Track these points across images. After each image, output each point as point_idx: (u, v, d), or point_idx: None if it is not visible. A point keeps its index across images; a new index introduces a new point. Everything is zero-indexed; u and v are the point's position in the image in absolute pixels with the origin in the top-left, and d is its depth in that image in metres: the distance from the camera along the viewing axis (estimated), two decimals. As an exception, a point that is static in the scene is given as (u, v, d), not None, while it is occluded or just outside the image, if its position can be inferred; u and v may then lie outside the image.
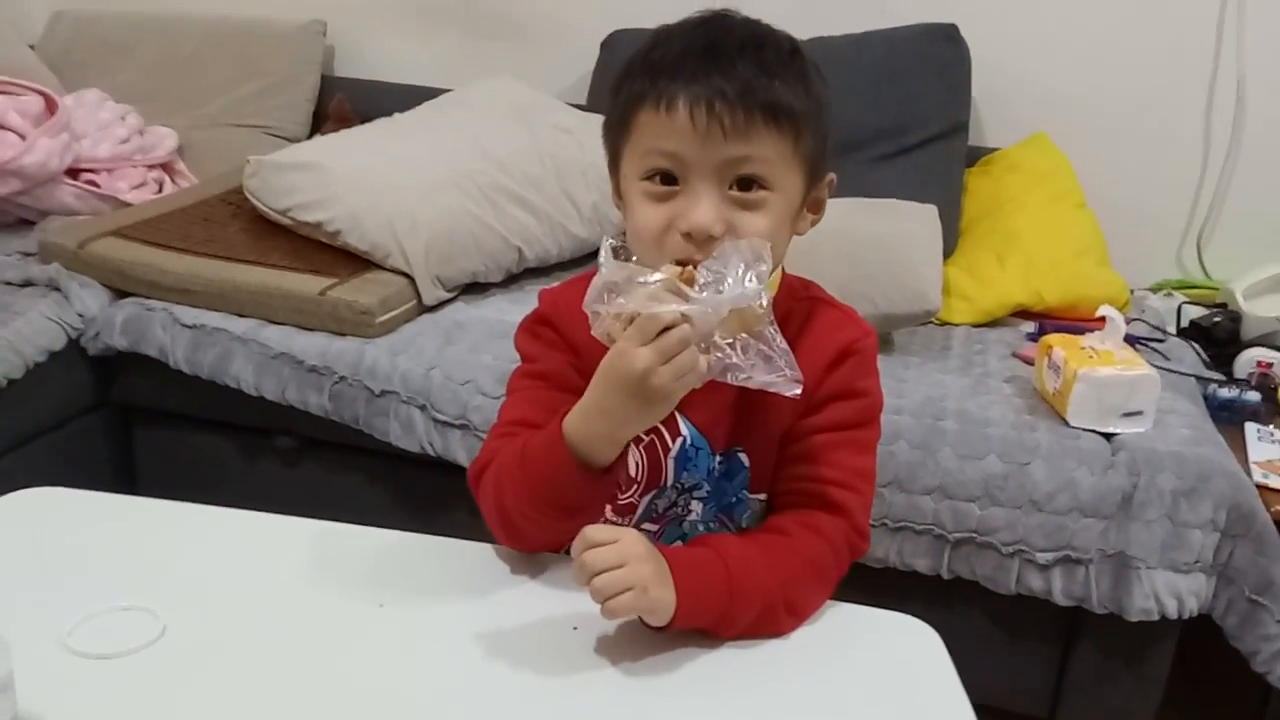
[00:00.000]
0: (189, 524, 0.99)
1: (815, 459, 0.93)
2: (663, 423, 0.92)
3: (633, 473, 0.95)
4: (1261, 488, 1.51)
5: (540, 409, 0.92)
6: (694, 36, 0.87)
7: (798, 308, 0.96)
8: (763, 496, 0.97)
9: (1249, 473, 1.54)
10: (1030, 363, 1.71)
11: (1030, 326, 1.91)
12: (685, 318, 0.78)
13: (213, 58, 2.50)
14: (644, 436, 0.94)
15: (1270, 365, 1.81)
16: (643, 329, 0.78)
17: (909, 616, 0.91)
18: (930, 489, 1.52)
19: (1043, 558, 1.50)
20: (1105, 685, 1.59)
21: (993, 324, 1.94)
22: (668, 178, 0.86)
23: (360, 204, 1.85)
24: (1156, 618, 1.47)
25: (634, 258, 0.82)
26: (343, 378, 1.70)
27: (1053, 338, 1.62)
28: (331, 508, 1.83)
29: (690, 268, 0.81)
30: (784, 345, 0.81)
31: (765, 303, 0.80)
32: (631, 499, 0.97)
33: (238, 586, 0.89)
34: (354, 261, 1.85)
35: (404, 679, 0.79)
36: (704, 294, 0.79)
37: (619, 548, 0.80)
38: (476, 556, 0.95)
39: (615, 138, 0.91)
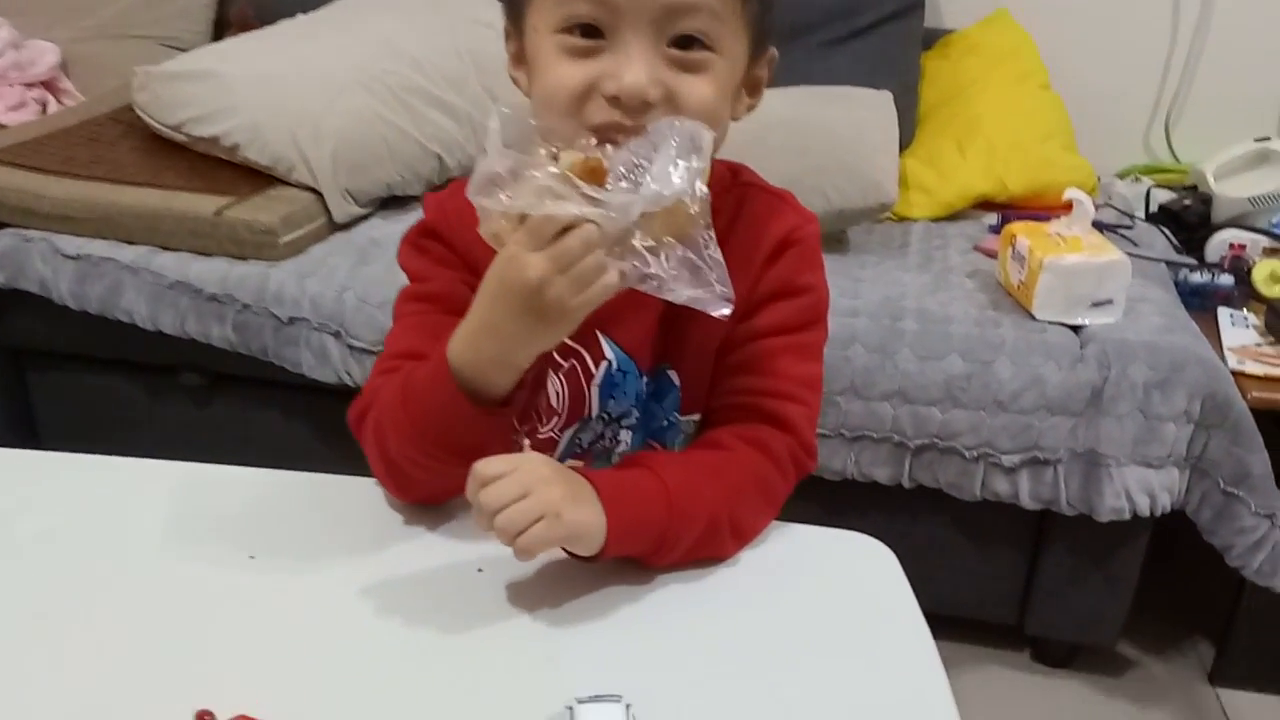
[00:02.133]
0: (35, 473, 0.86)
1: (756, 369, 0.80)
2: (584, 345, 0.81)
3: (553, 403, 0.83)
4: (1237, 374, 1.42)
5: (428, 336, 0.77)
6: None
7: (726, 197, 0.81)
8: (696, 417, 0.85)
9: (1224, 360, 1.45)
10: (993, 256, 1.60)
11: (993, 218, 1.80)
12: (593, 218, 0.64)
13: (95, -39, 2.27)
14: (563, 362, 0.82)
15: (1243, 247, 1.72)
16: (536, 231, 0.64)
17: (863, 535, 0.81)
18: (889, 394, 1.42)
19: (1009, 460, 1.41)
20: (1074, 589, 1.52)
21: (953, 217, 1.83)
22: (590, 30, 0.71)
23: (259, 114, 1.69)
24: (1128, 516, 1.40)
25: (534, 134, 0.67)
26: (246, 306, 1.56)
27: (1016, 226, 1.51)
28: (248, 446, 1.71)
29: (599, 155, 0.66)
30: (717, 256, 0.67)
31: (699, 201, 0.66)
32: (551, 433, 0.84)
33: (87, 540, 0.77)
34: (256, 178, 1.69)
35: (276, 640, 0.67)
36: (615, 188, 0.64)
37: (518, 476, 0.67)
38: (371, 495, 0.83)
39: None
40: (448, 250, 0.81)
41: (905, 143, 1.86)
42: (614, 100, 0.70)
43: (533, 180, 0.63)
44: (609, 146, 0.67)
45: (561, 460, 0.85)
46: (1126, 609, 1.53)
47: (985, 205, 1.84)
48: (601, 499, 0.70)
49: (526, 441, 0.85)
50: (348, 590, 0.71)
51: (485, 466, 0.68)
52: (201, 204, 1.62)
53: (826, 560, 0.78)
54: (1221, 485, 1.38)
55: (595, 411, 0.83)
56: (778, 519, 0.80)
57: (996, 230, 1.72)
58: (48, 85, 2.08)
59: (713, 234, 0.66)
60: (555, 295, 0.64)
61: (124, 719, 0.61)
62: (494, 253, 0.68)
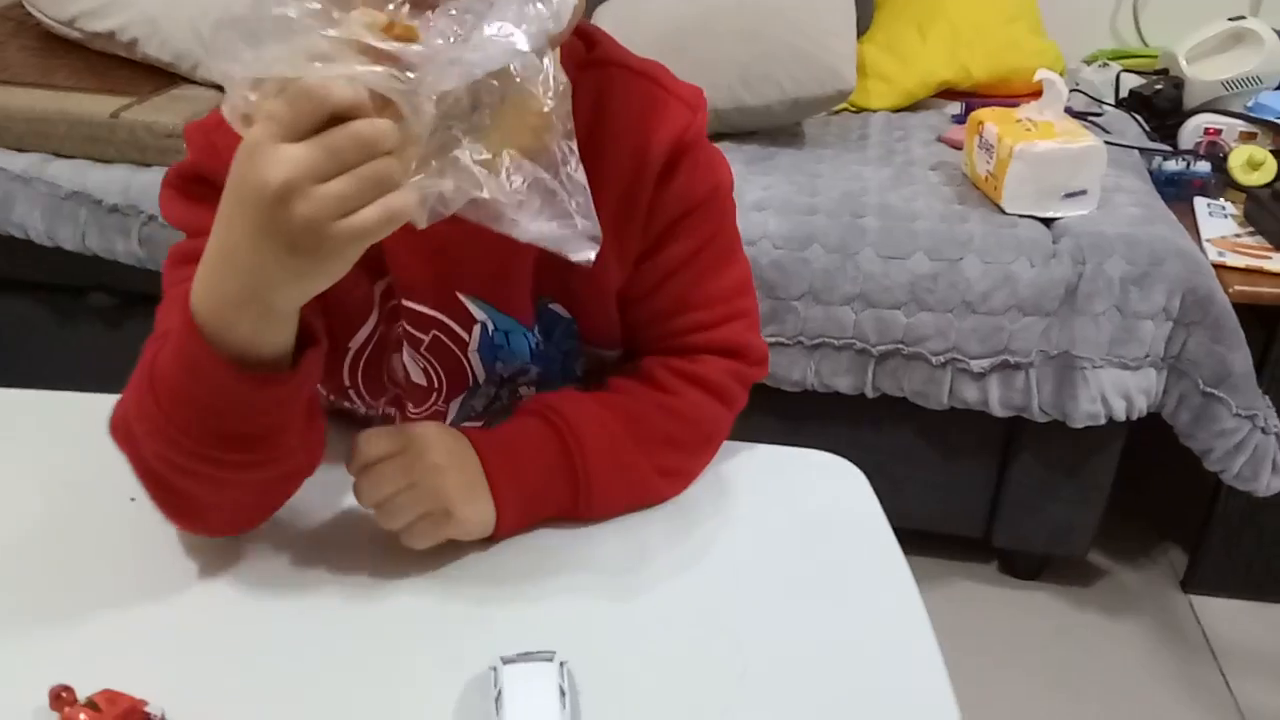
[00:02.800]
0: None
1: (681, 306, 0.67)
2: (443, 310, 0.65)
3: (421, 381, 0.68)
4: (1217, 267, 1.34)
5: None
6: None
7: (582, 80, 0.60)
8: (613, 352, 0.71)
9: (1203, 252, 1.36)
10: (958, 147, 1.50)
11: (956, 107, 1.69)
12: (385, 100, 0.45)
13: None
14: (421, 335, 0.66)
15: (1219, 132, 1.63)
16: (294, 109, 0.44)
17: (827, 454, 0.73)
18: (850, 298, 1.33)
19: (978, 365, 1.33)
20: (1045, 499, 1.46)
21: (914, 107, 1.72)
22: None
23: (157, 4, 1.54)
24: (1103, 422, 1.33)
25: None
26: (152, 217, 1.43)
27: (984, 112, 1.40)
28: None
29: (411, 22, 0.46)
30: (579, 177, 0.50)
31: (556, 95, 0.48)
32: (436, 407, 0.71)
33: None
34: (158, 76, 1.56)
35: (158, 599, 0.59)
36: (423, 50, 0.46)
37: (404, 461, 0.58)
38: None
39: None
40: (217, 190, 0.56)
41: (863, 28, 1.74)
42: None
43: (305, 36, 0.44)
44: (429, 14, 0.47)
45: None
46: (1098, 519, 1.48)
47: (948, 94, 1.74)
48: (491, 484, 0.60)
49: (392, 410, 0.71)
50: (243, 542, 0.62)
51: (369, 444, 0.58)
52: (97, 105, 1.47)
53: (792, 482, 0.70)
54: (1201, 386, 1.31)
55: (481, 378, 0.70)
56: (736, 438, 0.71)
57: (961, 120, 1.61)
58: (-74, -19, 1.89)
59: (574, 145, 0.50)
60: (306, 213, 0.45)
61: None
62: None
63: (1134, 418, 1.34)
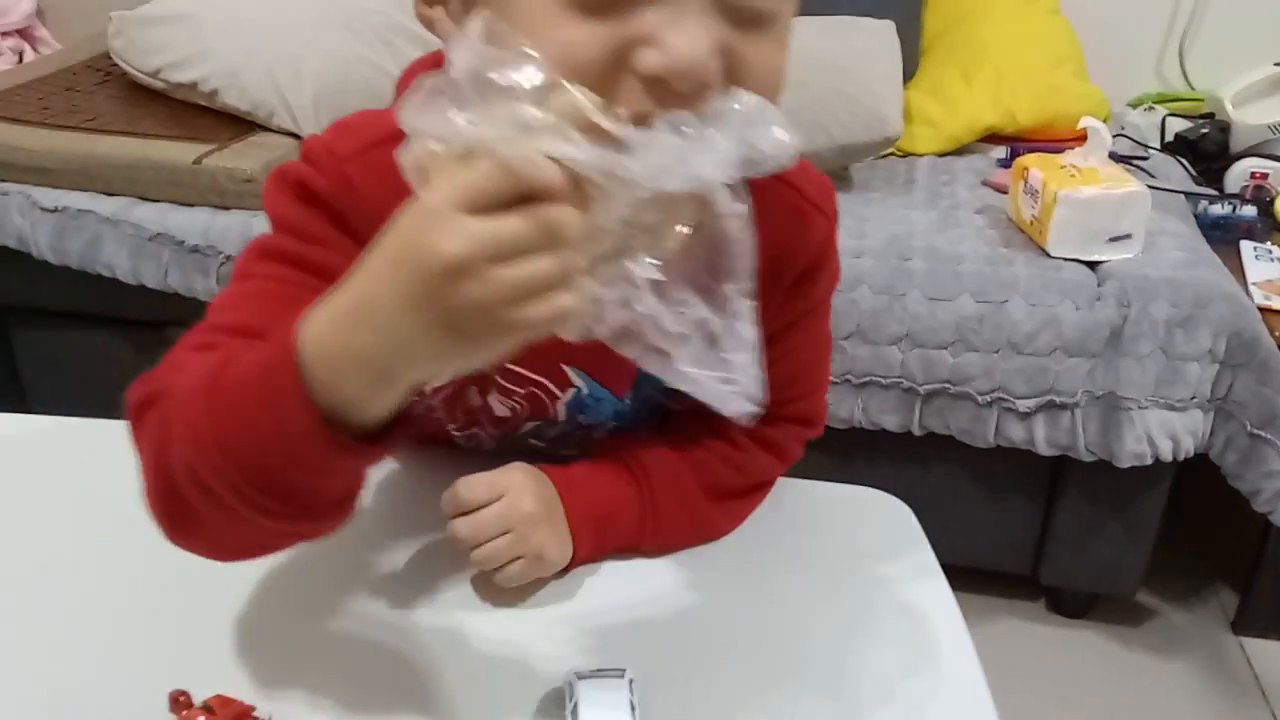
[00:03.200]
0: (25, 437, 0.81)
1: (777, 381, 0.61)
2: (546, 375, 0.65)
3: (503, 414, 0.70)
4: (1264, 310, 1.36)
5: (282, 313, 0.48)
6: None
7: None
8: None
9: (1248, 295, 1.39)
10: (1004, 190, 1.53)
11: (1001, 151, 1.73)
12: (580, 189, 0.41)
13: (69, -95, 2.19)
14: (515, 390, 0.66)
15: (1265, 176, 1.65)
16: (488, 183, 0.40)
17: (876, 491, 0.76)
18: (897, 337, 1.37)
19: (1024, 405, 1.35)
20: (1092, 538, 1.47)
21: (960, 151, 1.76)
22: None
23: (237, 56, 1.62)
24: (1150, 461, 1.35)
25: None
26: (229, 257, 1.50)
27: (1028, 158, 1.44)
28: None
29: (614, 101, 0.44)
30: (750, 331, 0.46)
31: (743, 221, 0.44)
32: (509, 431, 0.72)
33: (70, 510, 0.73)
34: (236, 124, 1.64)
35: (264, 615, 0.63)
36: (647, 141, 0.41)
37: (499, 510, 0.62)
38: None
39: None
40: (342, 234, 0.57)
41: (908, 74, 1.78)
42: (654, 82, 0.46)
43: (509, 106, 0.40)
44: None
45: (525, 440, 0.74)
46: (1146, 558, 1.49)
47: (993, 138, 1.77)
48: (569, 520, 0.64)
49: (473, 430, 0.73)
50: (338, 563, 0.67)
51: (468, 491, 0.62)
52: (180, 152, 1.55)
53: (842, 518, 0.74)
54: (1248, 427, 1.33)
55: (561, 417, 0.70)
56: (787, 474, 0.76)
57: (1006, 164, 1.65)
58: (23, 34, 2.03)
59: (753, 295, 0.45)
60: (474, 295, 0.40)
61: (100, 695, 0.57)
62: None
63: (1180, 458, 1.36)
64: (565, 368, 0.66)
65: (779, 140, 0.44)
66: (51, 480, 0.76)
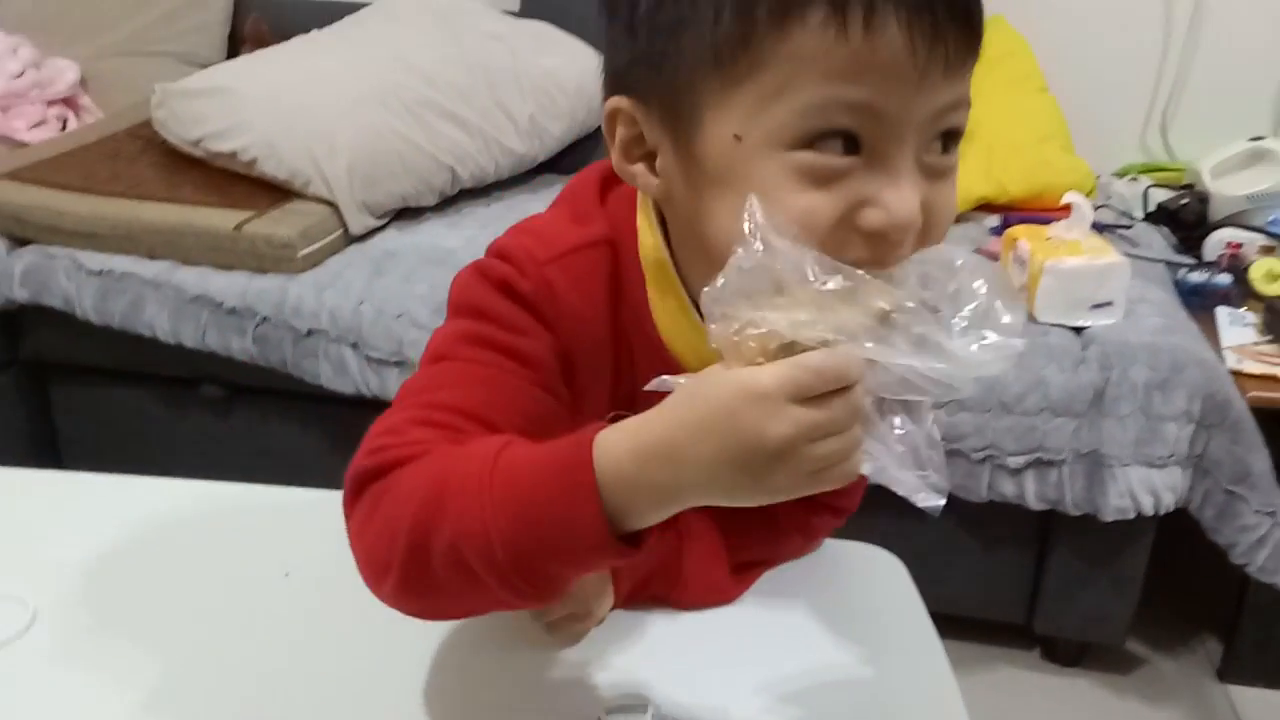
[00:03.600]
0: (62, 494, 0.88)
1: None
2: None
3: None
4: (1235, 374, 1.45)
5: (504, 403, 0.57)
6: None
7: None
8: None
9: (1222, 359, 1.48)
10: (995, 258, 1.63)
11: (994, 220, 1.83)
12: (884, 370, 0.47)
13: (111, -19, 2.31)
14: None
15: (1240, 246, 1.74)
16: (817, 380, 0.47)
17: (870, 545, 0.83)
18: (895, 397, 1.45)
19: (1014, 462, 1.44)
20: (1082, 588, 1.55)
21: (956, 220, 1.84)
22: (849, 143, 0.52)
23: (275, 128, 1.72)
24: (1132, 516, 1.43)
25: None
26: (266, 318, 1.60)
27: (1017, 230, 1.54)
28: (267, 457, 1.75)
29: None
30: (937, 435, 0.52)
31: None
32: None
33: (119, 562, 0.79)
34: (273, 192, 1.74)
35: (312, 655, 0.71)
36: (946, 329, 0.48)
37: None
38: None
39: (697, 70, 0.53)
40: (544, 328, 0.62)
41: (907, 148, 1.89)
42: (875, 236, 0.52)
43: (828, 301, 0.47)
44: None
45: None
46: (1133, 607, 1.56)
47: (986, 207, 1.87)
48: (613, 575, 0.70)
49: None
50: (377, 607, 0.74)
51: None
52: (221, 219, 1.65)
53: (837, 573, 0.80)
54: (1223, 484, 1.41)
55: None
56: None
57: (998, 232, 1.75)
58: (68, 102, 2.13)
59: (938, 413, 0.55)
60: (792, 468, 0.48)
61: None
62: (593, 339, 0.58)
63: (1161, 513, 1.44)
64: None
65: (1008, 323, 0.50)
66: (86, 536, 0.81)
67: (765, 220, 0.48)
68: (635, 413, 0.51)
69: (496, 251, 0.63)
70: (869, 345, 0.47)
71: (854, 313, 0.47)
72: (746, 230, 0.48)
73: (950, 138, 0.55)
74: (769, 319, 0.47)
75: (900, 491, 0.51)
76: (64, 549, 0.79)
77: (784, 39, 0.51)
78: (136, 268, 1.65)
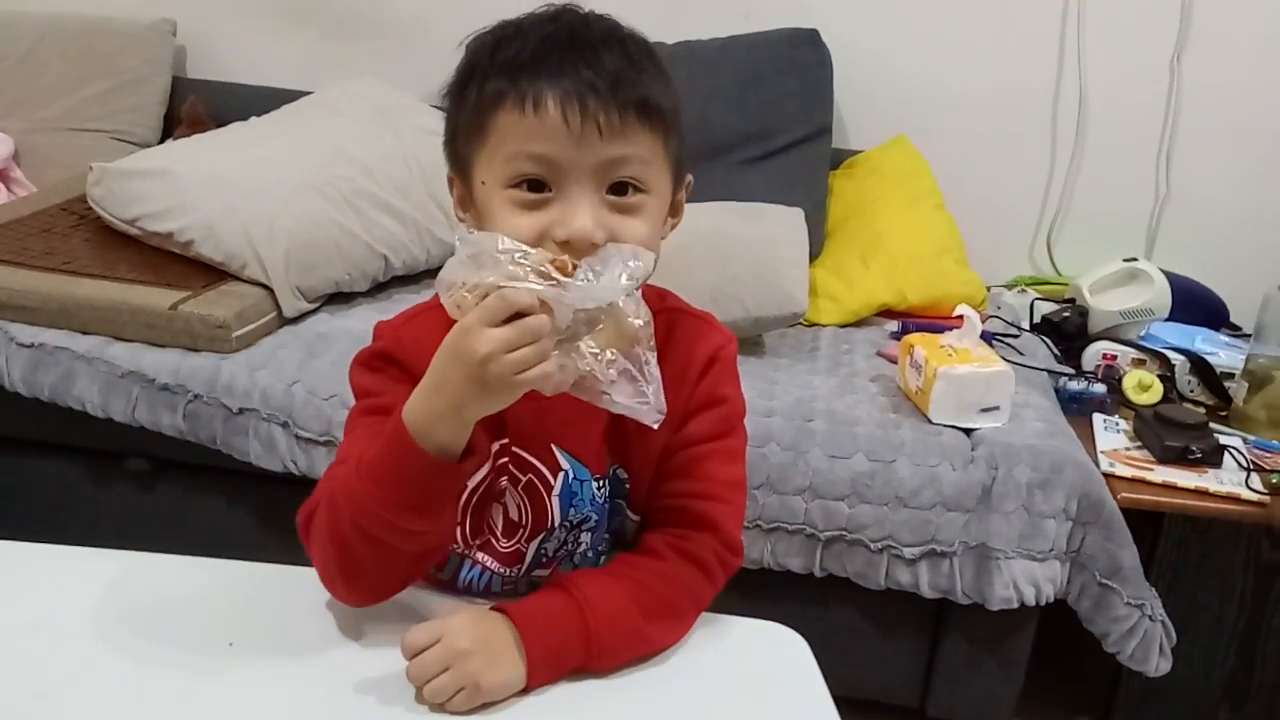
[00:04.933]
0: (29, 564, 0.91)
1: (685, 473, 0.90)
2: (539, 459, 0.89)
3: (514, 517, 0.90)
4: (1108, 476, 1.58)
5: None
6: (549, 30, 0.81)
7: (657, 320, 0.89)
8: (637, 518, 0.94)
9: (1097, 462, 1.61)
10: (894, 361, 1.75)
11: (894, 325, 1.96)
12: (545, 306, 0.72)
13: (52, 57, 2.36)
14: (521, 476, 0.89)
15: (1114, 358, 1.90)
16: (492, 308, 0.71)
17: (776, 624, 0.91)
18: (801, 489, 1.55)
19: (909, 552, 1.54)
20: (972, 672, 1.65)
21: (859, 323, 1.98)
22: (536, 184, 0.79)
23: (215, 212, 1.78)
24: (1016, 605, 1.53)
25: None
26: (198, 396, 1.63)
27: (914, 337, 1.66)
28: (191, 532, 1.76)
29: (567, 259, 0.75)
30: (655, 373, 0.75)
31: (643, 320, 0.75)
32: (518, 545, 0.91)
33: (65, 633, 0.82)
34: (208, 273, 1.78)
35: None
36: (575, 282, 0.73)
37: (440, 650, 0.76)
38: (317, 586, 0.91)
39: (467, 142, 0.83)
40: (402, 371, 0.85)
41: (815, 254, 2.03)
42: (564, 244, 0.78)
43: (507, 261, 0.72)
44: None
45: (528, 570, 0.93)
46: (1018, 690, 1.66)
47: (887, 313, 2.00)
48: (525, 643, 0.78)
49: (483, 556, 0.92)
50: (323, 675, 0.79)
51: (412, 637, 0.77)
52: (157, 298, 1.69)
53: (744, 649, 0.87)
54: (1097, 577, 1.53)
55: (558, 521, 0.90)
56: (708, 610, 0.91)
57: (897, 337, 1.87)
58: (0, 175, 2.14)
59: (654, 353, 0.76)
60: (498, 371, 0.71)
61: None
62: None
63: (1043, 603, 1.55)
64: (554, 448, 0.89)
65: (639, 264, 0.76)
66: (22, 605, 0.84)
67: (471, 230, 0.77)
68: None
69: (374, 332, 0.91)
70: (536, 286, 0.71)
71: (523, 270, 0.72)
72: (457, 237, 0.74)
73: (626, 186, 0.81)
74: (469, 282, 0.72)
75: (621, 410, 0.75)
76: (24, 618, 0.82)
77: (495, 118, 0.80)
78: (69, 342, 1.67)
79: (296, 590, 0.90)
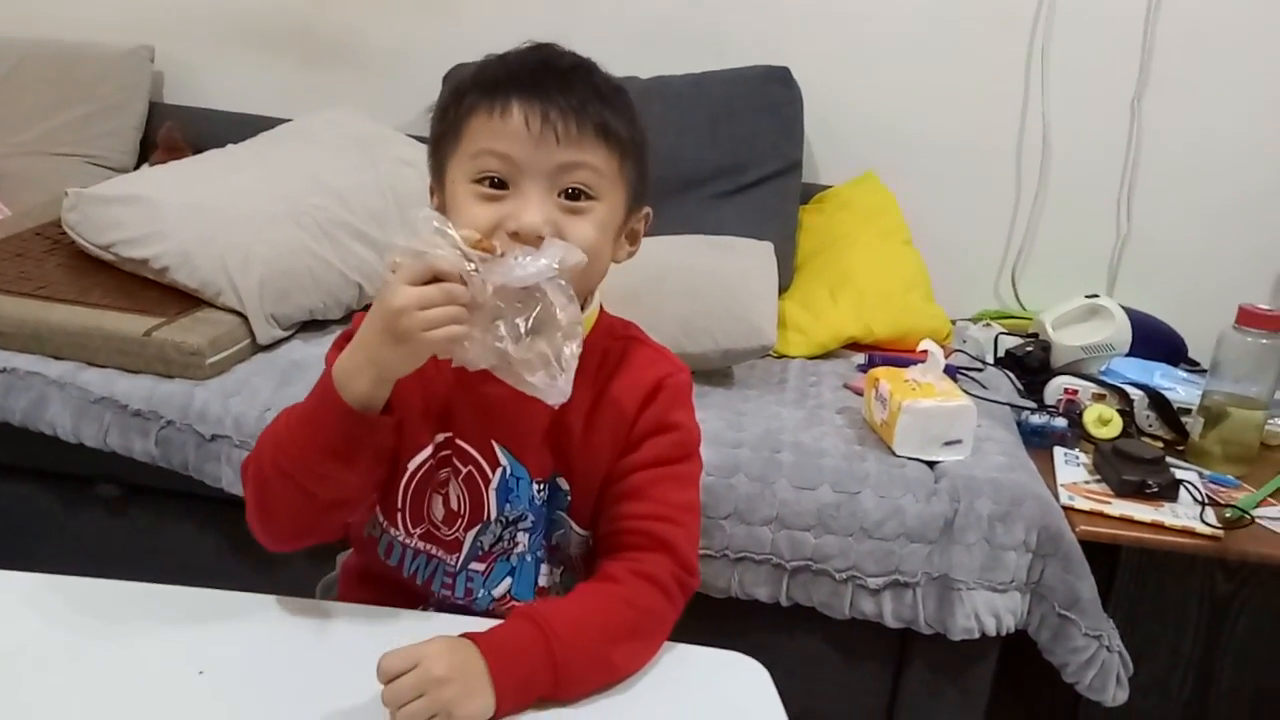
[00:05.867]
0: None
1: (636, 496, 0.95)
2: (480, 453, 0.95)
3: (454, 507, 0.96)
4: (1067, 509, 1.62)
5: None
6: (527, 57, 0.92)
7: (614, 346, 1.00)
8: (586, 533, 0.99)
9: (1057, 495, 1.65)
10: (860, 393, 1.79)
11: (861, 358, 1.99)
12: (462, 278, 0.79)
13: (29, 82, 2.36)
14: (462, 468, 0.96)
15: (1076, 393, 1.94)
16: (411, 268, 0.79)
17: (738, 654, 0.93)
18: (769, 519, 1.57)
19: (874, 582, 1.56)
20: (934, 702, 1.67)
21: (826, 356, 2.02)
22: (498, 182, 0.89)
23: (190, 239, 1.79)
24: (978, 636, 1.56)
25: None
26: (170, 422, 1.63)
27: (879, 371, 1.70)
28: (161, 558, 1.77)
29: (495, 244, 0.83)
30: (572, 359, 0.82)
31: (570, 312, 0.81)
32: (456, 534, 0.97)
33: (33, 658, 0.84)
34: (183, 299, 1.78)
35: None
36: (490, 259, 0.81)
37: (416, 676, 0.78)
38: (308, 613, 0.93)
39: (443, 149, 0.93)
40: None
41: (784, 286, 2.06)
42: (514, 235, 0.86)
43: (434, 236, 0.80)
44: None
45: (465, 562, 0.97)
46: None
47: (854, 346, 2.03)
48: (492, 674, 0.80)
49: (425, 545, 0.98)
50: (292, 706, 0.81)
51: (389, 662, 0.79)
52: (130, 324, 1.69)
53: (706, 678, 0.90)
54: (1056, 609, 1.55)
55: (494, 515, 0.96)
56: (672, 637, 0.93)
57: (864, 370, 1.91)
58: (-28, 199, 2.14)
59: (575, 348, 0.82)
60: (408, 324, 0.79)
61: None
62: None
63: (1004, 634, 1.58)
64: (494, 444, 0.95)
65: (569, 258, 0.83)
66: None
67: (427, 212, 0.83)
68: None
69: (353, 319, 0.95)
70: (453, 255, 0.79)
71: (448, 242, 0.80)
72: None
73: (579, 193, 0.89)
74: (400, 249, 0.81)
75: (533, 392, 0.81)
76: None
77: (469, 124, 0.90)
78: (41, 367, 1.67)
79: (265, 618, 0.92)
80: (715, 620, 1.59)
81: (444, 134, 0.93)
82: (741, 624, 1.62)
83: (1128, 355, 2.07)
